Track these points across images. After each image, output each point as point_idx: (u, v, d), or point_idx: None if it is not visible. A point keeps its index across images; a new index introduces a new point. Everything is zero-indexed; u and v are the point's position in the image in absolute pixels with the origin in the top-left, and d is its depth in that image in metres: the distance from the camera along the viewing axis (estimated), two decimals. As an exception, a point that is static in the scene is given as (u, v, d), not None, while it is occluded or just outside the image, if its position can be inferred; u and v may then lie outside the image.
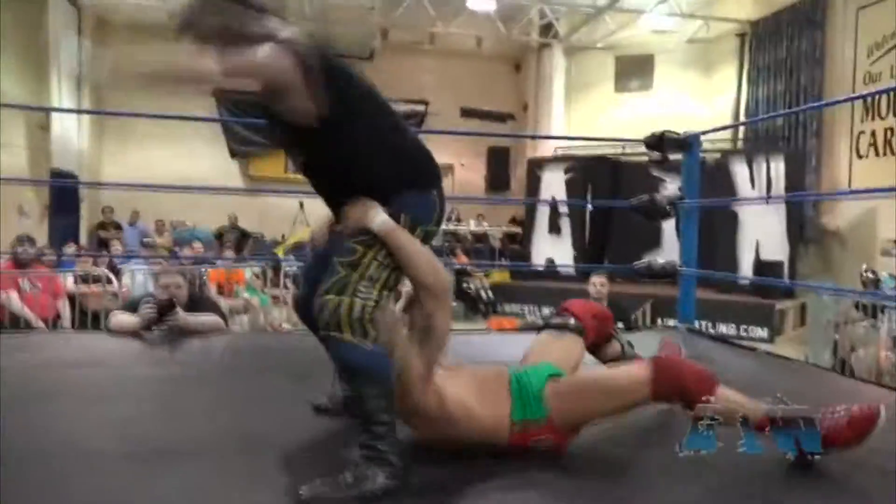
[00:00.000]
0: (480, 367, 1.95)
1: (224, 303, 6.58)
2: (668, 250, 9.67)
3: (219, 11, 1.78)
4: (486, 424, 1.75)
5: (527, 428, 1.77)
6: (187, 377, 2.62)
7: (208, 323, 3.32)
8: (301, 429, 2.01)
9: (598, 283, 5.01)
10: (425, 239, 1.85)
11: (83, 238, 11.93)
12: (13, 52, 11.85)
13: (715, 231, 9.30)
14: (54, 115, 11.77)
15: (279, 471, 1.71)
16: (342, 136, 1.78)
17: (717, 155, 10.08)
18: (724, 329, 8.92)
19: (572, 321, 2.09)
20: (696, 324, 4.00)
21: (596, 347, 2.22)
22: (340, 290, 1.67)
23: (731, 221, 9.42)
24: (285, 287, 7.34)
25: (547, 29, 13.38)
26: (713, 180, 9.44)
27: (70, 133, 11.98)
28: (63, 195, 11.92)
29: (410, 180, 1.85)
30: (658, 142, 3.66)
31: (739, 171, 9.52)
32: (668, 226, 9.74)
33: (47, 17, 11.51)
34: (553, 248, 10.89)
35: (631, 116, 12.60)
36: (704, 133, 3.87)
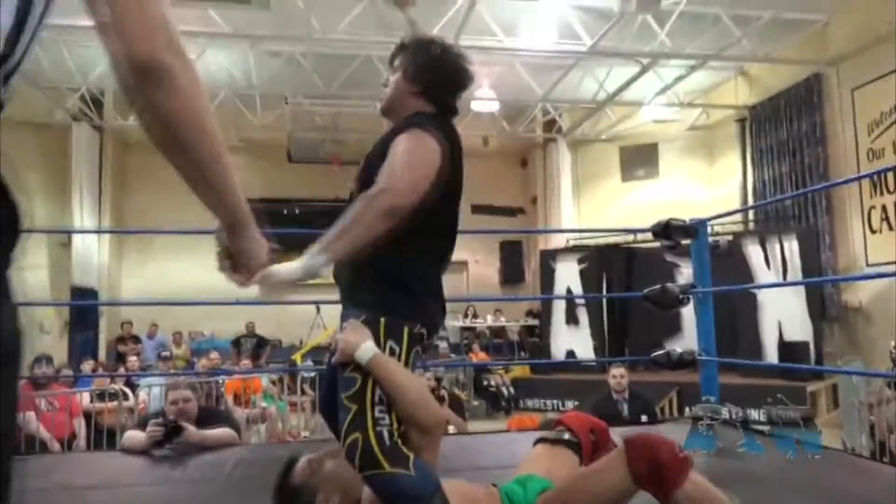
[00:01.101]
0: (469, 485, 1.86)
1: (241, 413, 6.52)
2: (689, 336, 9.49)
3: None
4: None
5: None
6: (198, 496, 2.55)
7: (219, 437, 3.26)
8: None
9: (617, 375, 4.92)
10: (415, 340, 1.79)
11: (102, 353, 11.99)
12: (38, 175, 12.34)
13: (735, 314, 9.18)
14: (75, 234, 12.11)
15: None
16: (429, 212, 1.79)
17: (730, 237, 10.10)
18: (756, 415, 8.63)
19: (567, 435, 2.03)
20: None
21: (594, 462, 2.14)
22: (361, 426, 1.62)
23: (751, 304, 9.30)
24: (303, 393, 7.25)
25: (551, 124, 13.77)
26: (727, 263, 9.42)
27: (90, 250, 12.26)
28: (83, 311, 12.08)
29: (410, 301, 1.80)
30: (664, 230, 3.68)
31: (753, 252, 9.49)
32: (688, 311, 9.63)
33: (71, 141, 12.05)
34: (572, 340, 10.76)
35: (639, 204, 12.73)
36: (711, 219, 3.90)
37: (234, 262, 1.13)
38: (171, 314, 12.40)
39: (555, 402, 9.93)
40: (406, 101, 1.90)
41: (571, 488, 1.75)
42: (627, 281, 10.47)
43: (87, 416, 5.61)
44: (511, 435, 4.40)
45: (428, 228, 1.83)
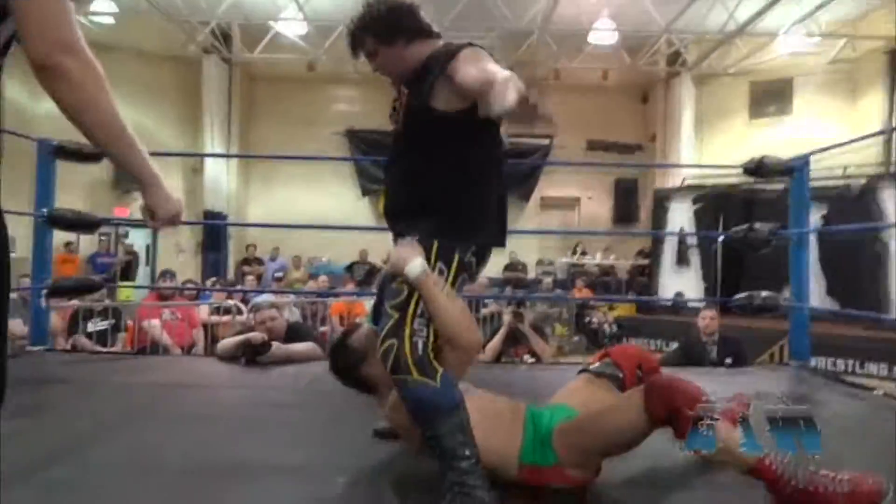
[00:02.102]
0: (499, 398, 1.93)
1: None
2: (812, 282, 8.99)
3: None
4: (492, 458, 1.72)
5: (537, 470, 1.75)
6: (273, 401, 2.79)
7: (304, 351, 3.51)
8: (367, 455, 2.08)
9: (707, 317, 4.80)
10: (464, 267, 1.85)
11: (231, 271, 12.94)
12: (172, 106, 13.25)
13: (860, 263, 8.58)
14: (206, 160, 12.96)
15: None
16: (442, 134, 1.82)
17: (863, 181, 9.35)
18: (875, 369, 8.13)
19: (610, 369, 2.03)
20: (824, 362, 3.74)
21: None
22: (397, 333, 1.72)
23: (881, 253, 8.63)
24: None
25: (675, 57, 13.04)
26: (858, 209, 8.74)
27: (220, 176, 13.11)
28: (213, 233, 13.03)
29: (452, 222, 1.85)
30: (758, 168, 3.50)
31: (889, 196, 8.74)
32: (811, 257, 9.10)
33: (202, 74, 12.78)
34: (681, 282, 10.45)
35: (769, 144, 11.86)
36: (811, 154, 3.63)
37: (151, 213, 1.34)
38: (293, 240, 13.12)
39: (659, 342, 9.77)
40: (407, 57, 1.92)
41: (588, 421, 1.77)
42: (745, 224, 9.96)
43: (206, 327, 6.14)
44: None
45: (479, 149, 1.88)
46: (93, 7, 10.87)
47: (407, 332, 1.71)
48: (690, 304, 9.73)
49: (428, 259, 1.79)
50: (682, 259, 10.56)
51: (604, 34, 11.60)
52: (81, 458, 2.03)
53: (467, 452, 1.65)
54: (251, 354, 3.42)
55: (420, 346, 1.71)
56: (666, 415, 1.61)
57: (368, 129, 13.98)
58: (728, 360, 4.45)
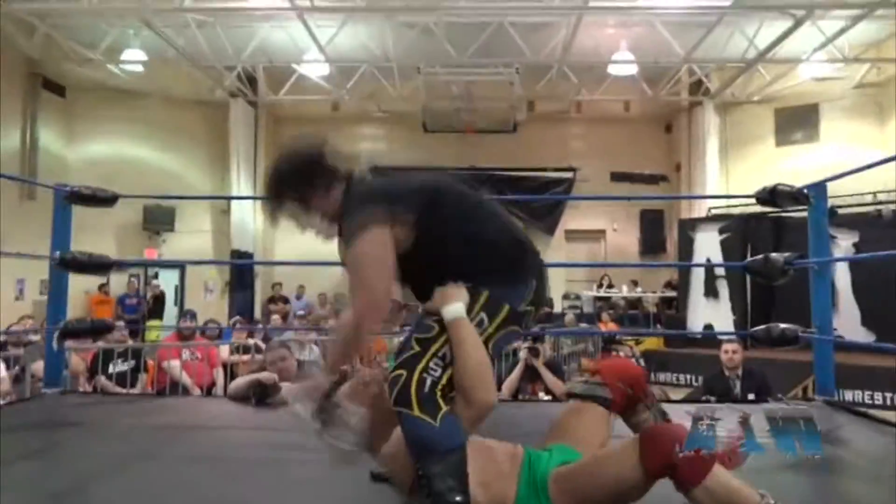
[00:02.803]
0: (497, 444, 1.87)
1: (366, 371, 6.88)
2: (845, 313, 8.75)
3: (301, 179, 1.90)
4: None
5: None
6: (278, 442, 2.75)
7: (313, 390, 3.48)
8: (371, 499, 2.04)
9: (729, 350, 4.65)
10: (515, 319, 1.81)
11: (257, 311, 13.03)
12: (200, 149, 13.54)
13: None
14: (234, 201, 13.17)
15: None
16: (423, 242, 1.81)
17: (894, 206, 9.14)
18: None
19: (598, 390, 1.96)
20: (858, 395, 3.59)
21: (627, 412, 2.04)
22: (411, 366, 1.69)
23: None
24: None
25: (697, 86, 12.99)
26: (892, 234, 8.51)
27: (247, 216, 13.28)
28: (241, 273, 13.17)
29: (490, 270, 1.82)
30: (771, 197, 3.42)
31: (925, 222, 8.53)
32: (844, 285, 8.88)
33: (229, 117, 13.06)
34: (710, 313, 10.23)
35: (796, 171, 11.65)
36: (830, 179, 3.54)
37: None
38: (318, 277, 13.21)
39: (688, 376, 9.55)
40: (331, 202, 1.91)
41: (582, 472, 1.70)
42: (775, 252, 9.74)
43: (226, 366, 6.15)
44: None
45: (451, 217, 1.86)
46: (123, 56, 11.23)
47: (420, 367, 1.68)
48: (719, 338, 9.52)
49: (472, 306, 1.76)
50: (710, 290, 10.36)
51: (623, 66, 11.60)
52: (81, 502, 2.02)
53: (458, 499, 1.60)
54: (261, 395, 3.40)
55: (428, 383, 1.67)
56: (662, 466, 1.53)
57: (393, 167, 14.01)
58: (751, 395, 4.30)
